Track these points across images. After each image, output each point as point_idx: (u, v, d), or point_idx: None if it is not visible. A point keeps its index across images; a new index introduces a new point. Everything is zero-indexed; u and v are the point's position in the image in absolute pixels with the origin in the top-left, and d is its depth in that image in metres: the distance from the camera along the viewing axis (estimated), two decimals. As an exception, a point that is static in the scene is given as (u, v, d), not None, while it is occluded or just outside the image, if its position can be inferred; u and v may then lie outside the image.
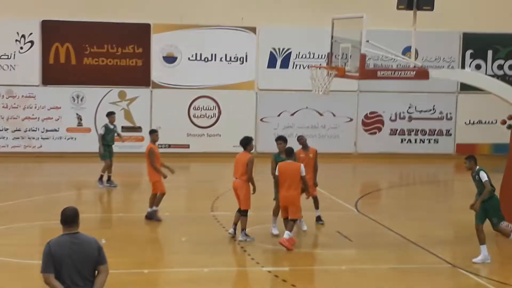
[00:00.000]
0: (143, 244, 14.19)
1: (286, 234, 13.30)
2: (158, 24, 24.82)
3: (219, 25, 25.11)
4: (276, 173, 13.55)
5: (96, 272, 7.13)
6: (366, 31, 13.89)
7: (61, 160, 23.87)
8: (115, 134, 19.59)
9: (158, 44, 24.86)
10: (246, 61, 25.35)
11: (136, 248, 13.62)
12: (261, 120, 25.48)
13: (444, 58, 26.03)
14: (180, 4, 24.96)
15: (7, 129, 24.28)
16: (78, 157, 23.62)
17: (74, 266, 6.98)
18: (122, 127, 23.49)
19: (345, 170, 24.57)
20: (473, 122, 26.55)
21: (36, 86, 24.34)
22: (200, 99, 25.21)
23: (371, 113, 26.06)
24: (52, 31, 24.34)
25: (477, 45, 26.33)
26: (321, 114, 25.73)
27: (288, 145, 14.28)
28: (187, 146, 25.04)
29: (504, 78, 25.56)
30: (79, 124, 24.60)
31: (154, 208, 15.49)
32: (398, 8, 15.52)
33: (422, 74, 14.54)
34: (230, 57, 25.25)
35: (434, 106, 26.30)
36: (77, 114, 24.59)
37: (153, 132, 16.05)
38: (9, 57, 24.18)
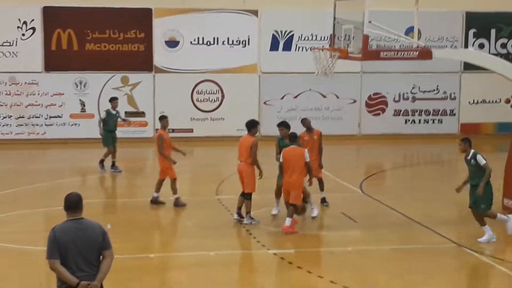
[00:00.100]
0: (149, 229, 14.23)
1: (288, 221, 13.29)
2: (160, 8, 24.73)
3: (221, 8, 25.02)
4: (281, 159, 13.52)
5: (101, 257, 7.14)
6: (369, 12, 13.83)
7: (64, 146, 23.89)
8: (118, 120, 19.56)
9: (160, 29, 24.79)
10: (248, 44, 25.27)
11: (142, 233, 13.65)
12: (265, 103, 25.44)
13: (447, 38, 25.91)
14: (181, -13, 24.88)
15: (11, 116, 24.28)
16: (82, 143, 23.63)
17: (79, 251, 6.99)
18: (126, 112, 23.43)
19: (349, 151, 24.55)
20: (477, 101, 26.47)
21: (38, 72, 24.31)
22: (203, 83, 25.17)
23: (374, 94, 26.00)
24: (54, 17, 24.27)
25: (480, 24, 26.20)
26: (324, 96, 25.68)
27: (292, 128, 14.23)
28: (191, 131, 25.02)
29: (508, 56, 25.43)
30: (83, 110, 24.59)
31: (175, 196, 15.39)
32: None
33: (425, 54, 14.48)
34: (233, 41, 25.18)
35: (437, 86, 26.22)
36: (80, 100, 24.58)
37: (162, 118, 15.89)
38: (11, 44, 24.13)
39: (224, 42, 25.13)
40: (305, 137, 14.99)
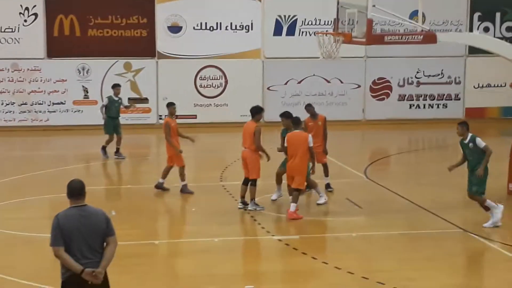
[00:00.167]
0: (153, 215, 14.21)
1: (292, 206, 13.26)
2: (162, -7, 24.65)
3: (224, -7, 24.93)
4: (285, 144, 13.48)
5: (105, 244, 7.11)
6: (373, -5, 13.73)
7: (68, 133, 23.86)
8: (120, 107, 19.47)
9: (163, 14, 24.69)
10: (251, 29, 25.16)
11: (146, 219, 13.63)
12: (268, 88, 25.36)
13: (451, 22, 25.77)
14: (183, -27, 24.76)
15: (14, 103, 24.25)
16: (85, 129, 23.60)
17: (83, 238, 6.96)
18: (129, 99, 23.40)
19: (353, 137, 24.49)
20: (482, 85, 26.34)
21: (41, 59, 24.26)
22: (206, 69, 25.08)
23: (379, 79, 25.89)
24: (56, 3, 24.18)
25: (484, 8, 26.04)
26: (328, 81, 25.58)
27: (297, 114, 14.13)
28: (194, 117, 24.96)
29: (513, 40, 25.32)
30: (86, 96, 24.55)
31: (182, 182, 15.32)
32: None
33: (429, 38, 14.37)
34: (236, 26, 25.06)
35: (442, 70, 26.10)
36: (83, 86, 24.53)
37: (170, 105, 15.67)
38: (13, 30, 24.07)
39: (227, 27, 25.02)
40: (310, 123, 14.95)
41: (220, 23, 24.97)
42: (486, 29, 25.98)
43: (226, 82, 25.20)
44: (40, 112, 24.38)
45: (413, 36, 14.40)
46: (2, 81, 24.11)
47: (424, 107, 26.16)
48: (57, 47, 24.30)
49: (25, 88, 24.22)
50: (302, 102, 24.83)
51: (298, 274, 10.67)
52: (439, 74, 26.14)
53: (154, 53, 24.79)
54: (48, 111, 24.42)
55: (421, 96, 26.14)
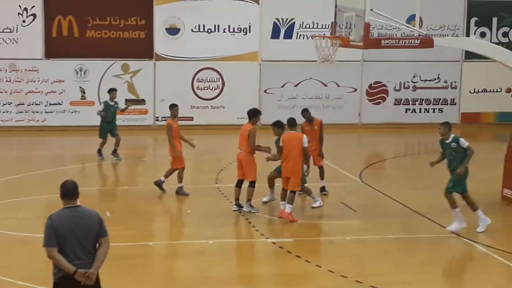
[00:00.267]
0: (148, 217, 14.24)
1: (288, 208, 13.29)
2: (160, -5, 24.69)
3: (222, -5, 24.98)
4: (280, 143, 13.54)
5: (97, 244, 7.13)
6: (370, -1, 13.78)
7: (65, 133, 23.87)
8: (117, 110, 19.47)
9: (161, 16, 24.72)
10: (249, 32, 25.21)
11: (141, 221, 13.66)
12: (265, 91, 25.40)
13: (448, 26, 25.85)
14: (182, -25, 24.79)
15: (11, 103, 24.26)
16: (82, 130, 23.60)
17: (76, 239, 6.98)
18: (126, 100, 23.42)
19: (349, 140, 24.53)
20: (478, 90, 26.41)
21: (39, 59, 24.27)
22: (203, 71, 25.12)
23: (375, 83, 25.95)
24: (54, 4, 24.20)
25: (481, 13, 26.12)
26: (325, 85, 25.63)
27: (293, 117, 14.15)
28: (191, 119, 24.98)
29: (509, 45, 25.29)
30: (83, 97, 24.56)
31: (179, 184, 15.34)
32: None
33: (426, 42, 14.42)
34: (233, 28, 25.11)
35: (438, 75, 26.17)
36: (80, 87, 24.54)
37: (172, 107, 15.60)
38: (11, 30, 24.08)
39: (225, 30, 25.07)
40: (306, 127, 15.00)
41: (218, 25, 25.01)
42: (483, 34, 26.06)
43: (223, 84, 25.24)
44: (37, 112, 24.40)
45: (410, 41, 14.46)
46: (-1, 81, 24.13)
47: (420, 111, 26.22)
48: (55, 47, 24.32)
49: (23, 88, 24.23)
50: (298, 105, 24.86)
51: (292, 277, 10.71)
52: (435, 79, 26.21)
53: (152, 55, 24.83)
54: (45, 112, 24.44)
55: (417, 101, 26.20)
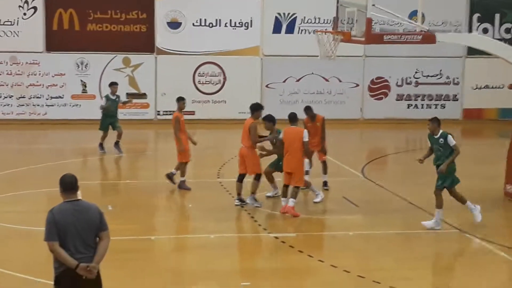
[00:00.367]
0: (150, 211, 14.22)
1: (291, 202, 13.27)
2: (162, -11, 24.63)
3: (224, -10, 24.92)
4: (281, 136, 13.53)
5: (98, 238, 7.10)
6: (372, -6, 13.74)
7: (66, 127, 23.85)
8: (118, 104, 19.42)
9: (162, 10, 24.67)
10: (251, 26, 25.16)
11: (143, 215, 13.63)
12: (267, 86, 25.36)
13: (451, 22, 25.79)
14: (184, -32, 24.74)
15: (12, 96, 24.23)
16: (83, 123, 23.58)
17: (77, 233, 6.95)
18: (127, 94, 23.41)
19: (351, 136, 24.50)
20: (480, 86, 26.36)
21: (40, 52, 24.23)
22: (205, 65, 25.07)
23: (377, 78, 25.90)
24: (55, -3, 24.17)
25: (484, 9, 26.06)
26: (327, 80, 25.58)
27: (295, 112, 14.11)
28: (193, 113, 24.90)
29: (512, 42, 25.36)
30: (84, 91, 24.52)
31: (181, 178, 15.29)
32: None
33: (428, 38, 14.38)
34: (235, 23, 25.06)
35: (441, 70, 26.12)
36: (81, 80, 24.51)
37: (180, 100, 15.52)
38: (12, 23, 24.03)
39: (227, 24, 25.02)
40: (308, 124, 14.99)
41: (220, 19, 24.97)
42: (485, 31, 26.00)
43: (225, 79, 25.19)
44: (38, 105, 24.36)
45: (412, 36, 14.41)
46: (0, 74, 24.08)
47: (422, 107, 26.17)
48: (56, 41, 24.28)
49: (24, 81, 24.20)
50: (300, 100, 24.90)
51: (294, 271, 10.68)
52: (437, 75, 26.16)
53: (153, 49, 24.78)
54: (46, 105, 24.40)
55: (419, 96, 26.16)
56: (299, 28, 25.28)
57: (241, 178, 13.96)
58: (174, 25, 24.84)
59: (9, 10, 23.91)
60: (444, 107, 26.21)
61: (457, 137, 25.33)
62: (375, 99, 25.99)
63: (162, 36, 24.78)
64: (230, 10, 24.95)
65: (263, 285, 10.28)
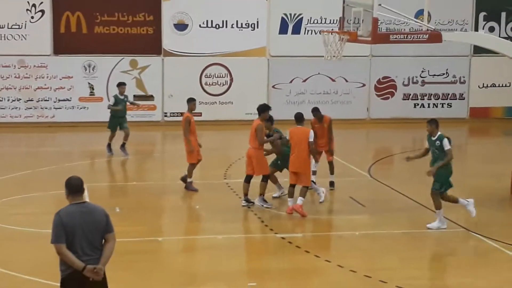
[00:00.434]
0: (157, 212, 14.27)
1: (299, 200, 13.31)
2: (168, -9, 24.69)
3: (230, -9, 24.96)
4: (287, 137, 13.61)
5: (104, 240, 7.14)
6: (378, -6, 13.75)
7: (73, 129, 23.92)
8: (127, 104, 19.51)
9: (169, 12, 24.73)
10: (257, 27, 25.19)
11: (150, 216, 13.68)
12: (273, 87, 25.38)
13: (457, 21, 25.76)
14: (190, -30, 24.79)
15: (20, 99, 24.33)
16: (91, 126, 23.65)
17: (84, 235, 6.99)
18: (134, 96, 23.48)
19: (358, 136, 24.50)
20: (487, 85, 26.32)
21: (47, 55, 24.32)
22: (211, 67, 25.12)
23: (383, 78, 25.90)
24: (63, 0, 24.23)
25: (490, 7, 26.01)
26: (333, 80, 25.59)
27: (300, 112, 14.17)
28: (199, 114, 24.89)
29: (518, 40, 25.28)
30: (91, 93, 24.61)
31: (188, 179, 15.34)
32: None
33: (435, 37, 14.39)
34: (242, 24, 25.10)
35: (447, 70, 26.09)
36: (89, 83, 24.59)
37: (191, 101, 15.52)
38: (20, 27, 24.13)
39: (233, 25, 25.06)
40: (315, 125, 15.04)
41: (226, 21, 25.01)
42: (491, 29, 25.95)
43: (231, 80, 25.23)
44: (46, 108, 24.45)
45: (419, 36, 14.42)
46: (8, 77, 24.18)
47: (428, 106, 26.15)
48: (63, 44, 24.36)
49: (31, 84, 24.29)
50: (307, 101, 24.92)
51: (301, 272, 10.72)
52: (444, 74, 26.13)
53: (160, 51, 24.84)
54: (54, 108, 24.49)
55: (426, 96, 26.14)
56: (306, 28, 25.31)
57: (248, 179, 14.00)
58: (181, 27, 24.90)
59: (17, 14, 24.00)
60: (451, 106, 26.19)
61: (464, 136, 25.36)
62: (381, 98, 25.98)
63: (169, 38, 24.84)
64: (236, 11, 24.99)
65: (270, 286, 10.32)
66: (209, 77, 25.15)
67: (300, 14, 25.26)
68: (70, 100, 24.51)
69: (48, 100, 24.42)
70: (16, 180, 16.50)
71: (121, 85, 19.67)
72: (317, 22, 25.19)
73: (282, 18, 25.25)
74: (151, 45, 24.76)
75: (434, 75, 26.07)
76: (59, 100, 24.47)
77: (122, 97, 19.41)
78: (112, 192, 16.19)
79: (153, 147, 22.92)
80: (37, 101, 24.37)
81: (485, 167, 17.39)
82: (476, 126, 25.44)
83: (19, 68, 24.19)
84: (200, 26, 24.93)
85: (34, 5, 24.09)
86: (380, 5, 13.85)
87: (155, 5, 24.66)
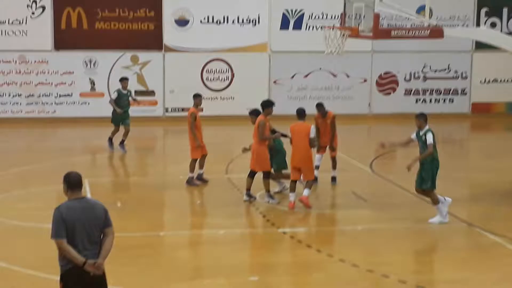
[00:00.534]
0: (158, 207, 14.27)
1: (306, 191, 13.30)
2: (170, -14, 24.66)
3: (231, -14, 24.92)
4: (289, 134, 13.60)
5: (102, 235, 7.13)
6: (380, -11, 13.73)
7: (74, 125, 23.91)
8: (129, 99, 19.50)
9: (170, 7, 24.70)
10: (258, 23, 25.15)
11: (151, 211, 13.68)
12: (275, 82, 25.36)
13: (458, 17, 25.72)
14: (191, -34, 24.75)
15: (21, 94, 24.31)
16: (92, 121, 23.63)
17: (85, 230, 6.99)
18: (135, 91, 23.45)
19: (359, 131, 24.48)
20: (489, 80, 26.29)
21: (48, 51, 24.30)
22: (213, 62, 25.10)
23: (385, 73, 25.87)
24: (63, -4, 24.24)
25: (492, 3, 25.98)
26: (335, 75, 25.57)
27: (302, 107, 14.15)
28: (201, 110, 24.91)
29: (520, 36, 25.25)
30: (92, 88, 24.59)
31: (189, 174, 15.31)
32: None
33: (436, 32, 14.37)
34: (243, 19, 25.06)
35: (449, 65, 26.06)
36: (90, 78, 24.57)
37: (197, 97, 15.60)
38: (20, 22, 24.11)
39: (234, 21, 25.03)
40: (319, 120, 15.04)
41: (227, 16, 24.98)
42: (493, 25, 25.92)
43: (233, 75, 25.21)
44: (47, 104, 24.44)
45: (420, 31, 14.41)
46: (9, 73, 24.17)
47: (430, 101, 26.12)
48: (64, 39, 24.34)
49: (32, 80, 24.28)
50: (308, 96, 24.91)
51: (303, 266, 10.71)
52: (445, 69, 26.10)
53: (161, 46, 24.82)
54: (55, 103, 24.48)
55: (428, 91, 26.10)
56: (307, 24, 25.27)
57: (252, 174, 13.95)
58: (182, 22, 24.87)
59: (18, 10, 23.98)
60: (453, 102, 26.16)
61: (466, 131, 25.31)
62: (383, 94, 25.95)
63: (170, 34, 24.80)
64: (237, 7, 24.96)
65: (271, 280, 10.30)
66: (210, 72, 25.13)
67: (301, 10, 25.23)
68: (71, 96, 24.50)
69: (49, 96, 24.40)
70: (17, 175, 16.50)
71: (123, 80, 19.67)
72: (318, 18, 25.16)
73: (283, 13, 25.21)
74: (152, 40, 24.73)
75: (436, 70, 26.03)
76: (60, 96, 24.46)
77: (125, 92, 19.40)
78: (114, 187, 16.17)
79: (154, 142, 22.92)
80: (38, 97, 24.36)
81: (487, 162, 17.37)
82: (478, 122, 25.41)
83: (20, 64, 24.17)
84: (201, 21, 24.90)
85: (35, 1, 24.06)
86: (381, 0, 13.82)
87: (156, 0, 24.63)
